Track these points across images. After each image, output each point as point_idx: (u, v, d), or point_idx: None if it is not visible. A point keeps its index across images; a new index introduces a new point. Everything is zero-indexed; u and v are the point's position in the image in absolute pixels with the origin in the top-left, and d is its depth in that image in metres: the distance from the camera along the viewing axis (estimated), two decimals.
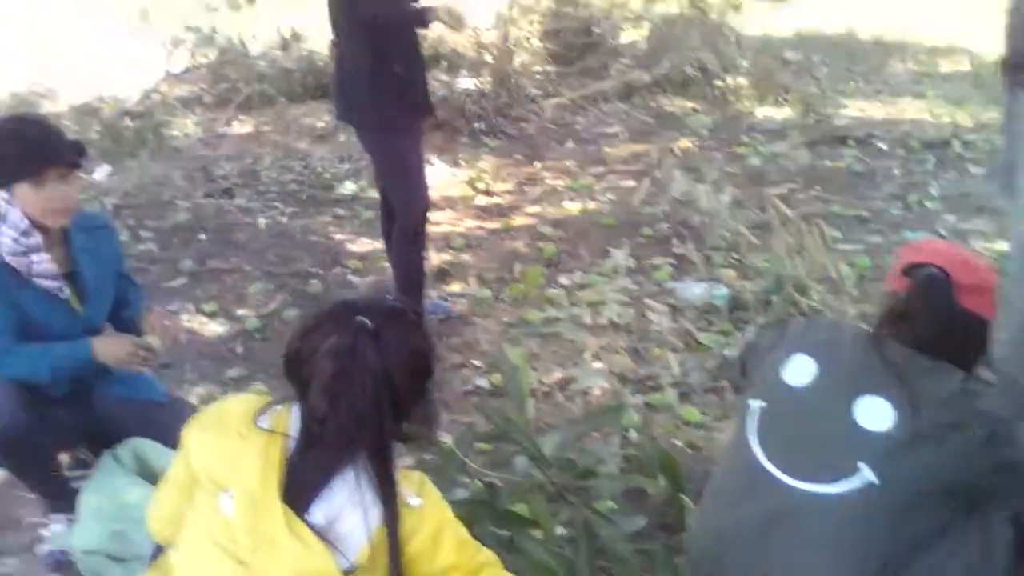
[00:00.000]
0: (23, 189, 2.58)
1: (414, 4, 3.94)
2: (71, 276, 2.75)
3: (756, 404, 1.99)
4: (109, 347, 2.70)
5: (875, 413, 1.84)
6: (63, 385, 2.75)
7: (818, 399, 1.93)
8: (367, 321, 1.78)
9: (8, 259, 2.60)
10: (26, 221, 2.59)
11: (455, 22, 3.94)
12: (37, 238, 2.62)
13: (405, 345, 1.81)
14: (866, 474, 1.79)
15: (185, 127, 8.11)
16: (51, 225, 2.65)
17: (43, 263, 2.65)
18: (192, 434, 1.83)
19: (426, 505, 1.80)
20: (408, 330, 1.84)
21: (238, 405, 1.84)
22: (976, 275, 1.99)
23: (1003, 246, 4.85)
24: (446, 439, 2.60)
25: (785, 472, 1.87)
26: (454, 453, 2.33)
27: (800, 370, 1.98)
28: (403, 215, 4.09)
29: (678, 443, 3.28)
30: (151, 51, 10.64)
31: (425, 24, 3.92)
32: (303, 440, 1.77)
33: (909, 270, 2.04)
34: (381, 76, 3.84)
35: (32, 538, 2.94)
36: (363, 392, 1.74)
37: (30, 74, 9.04)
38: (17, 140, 2.61)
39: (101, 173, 6.68)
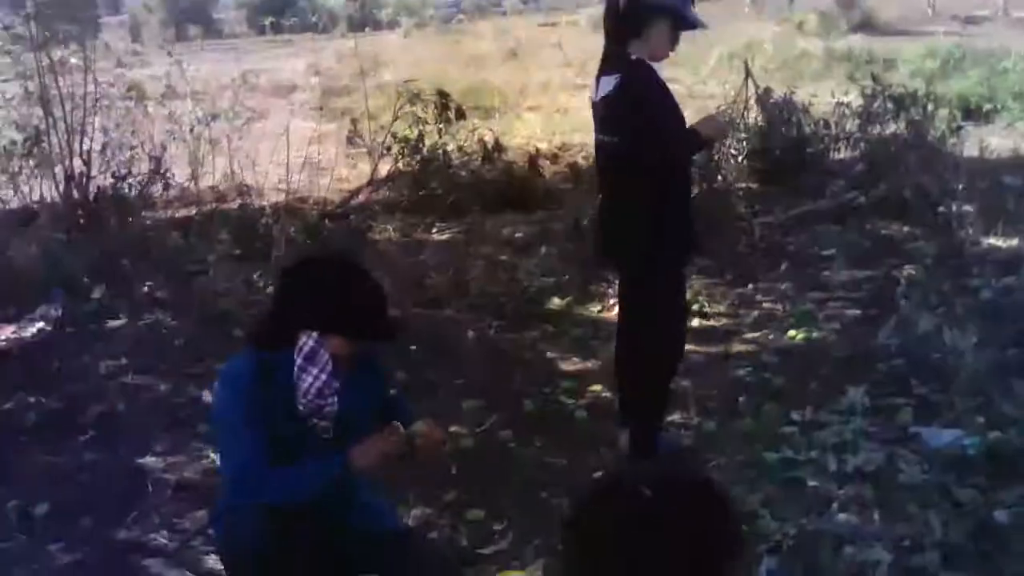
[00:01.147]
0: (336, 341, 2.53)
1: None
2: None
3: None
4: (367, 449, 2.58)
5: None
6: (308, 512, 2.63)
7: None
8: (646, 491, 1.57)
9: (304, 400, 2.55)
10: (332, 365, 2.55)
11: (720, 134, 3.83)
12: (337, 384, 2.57)
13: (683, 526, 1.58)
14: None
15: (386, 232, 8.22)
16: (342, 369, 2.61)
17: (334, 407, 2.62)
18: None
19: None
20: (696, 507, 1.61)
21: None
22: None
23: None
24: None
25: None
26: None
27: None
28: (658, 353, 3.99)
29: None
30: (357, 158, 11.02)
31: (701, 148, 3.83)
32: None
33: None
34: (656, 216, 3.75)
35: None
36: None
37: (235, 169, 9.42)
38: (357, 303, 2.61)
39: None
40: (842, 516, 3.58)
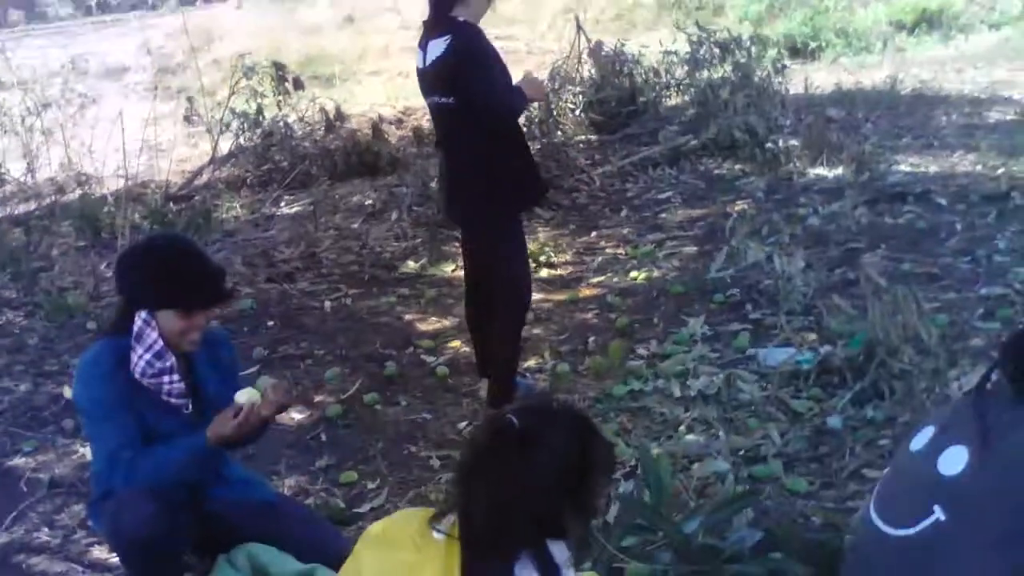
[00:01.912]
0: (168, 315, 2.62)
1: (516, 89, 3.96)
2: (192, 389, 2.76)
3: (887, 471, 2.05)
4: (218, 426, 2.67)
5: (953, 459, 1.88)
6: (182, 490, 2.72)
7: (921, 457, 1.96)
8: (514, 420, 1.76)
9: (141, 380, 2.61)
10: (161, 343, 2.61)
11: (540, 94, 4.00)
12: (171, 360, 2.65)
13: (554, 446, 1.78)
14: (938, 514, 1.83)
15: (232, 210, 8.17)
16: (186, 349, 2.68)
17: (175, 384, 2.68)
18: (365, 553, 1.79)
19: None
20: (561, 431, 1.81)
21: (410, 519, 1.82)
22: None
23: None
24: None
25: (883, 521, 1.95)
26: (605, 547, 2.27)
27: (922, 438, 2.03)
28: (512, 301, 4.08)
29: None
30: (197, 137, 10.85)
31: (526, 103, 3.98)
32: (463, 544, 1.74)
33: None
34: (501, 169, 3.88)
35: None
36: (502, 492, 1.71)
37: (72, 158, 9.19)
38: (180, 274, 2.68)
39: None
40: (689, 437, 3.84)
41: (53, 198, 8.47)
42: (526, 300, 4.12)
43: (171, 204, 8.20)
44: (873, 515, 1.98)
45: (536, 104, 8.13)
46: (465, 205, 4.04)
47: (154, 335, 2.62)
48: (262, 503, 2.92)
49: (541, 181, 4.29)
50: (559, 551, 1.77)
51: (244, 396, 2.71)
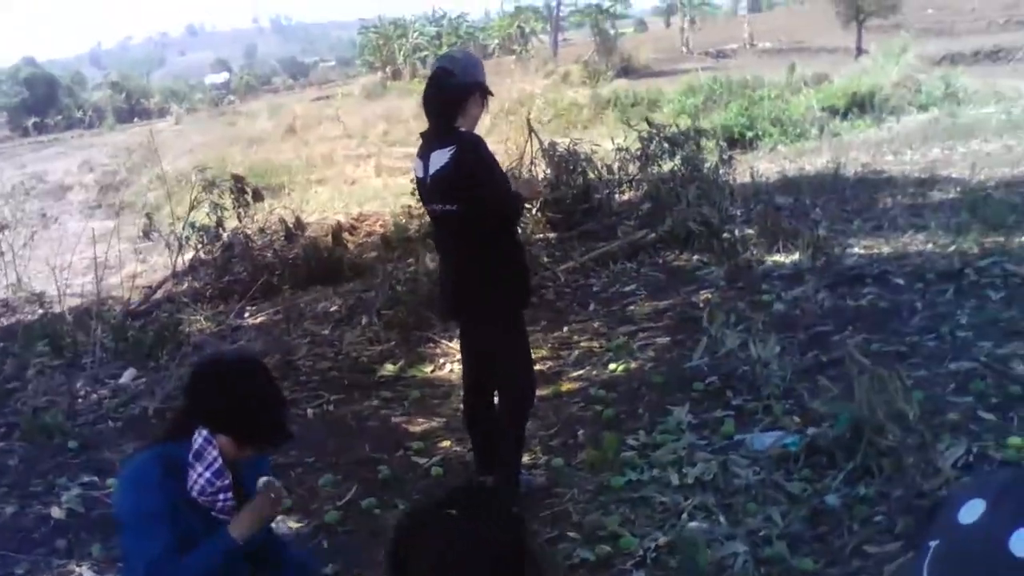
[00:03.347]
0: (225, 441, 2.65)
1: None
2: (239, 501, 2.79)
3: (932, 543, 2.07)
4: (242, 520, 2.71)
5: None
6: None
7: (982, 534, 2.01)
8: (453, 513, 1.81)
9: (198, 498, 2.64)
10: (220, 461, 2.65)
11: (536, 192, 4.15)
12: (229, 479, 2.68)
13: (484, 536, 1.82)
14: None
15: (197, 323, 8.16)
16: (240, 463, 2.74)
17: (228, 501, 2.70)
18: None
19: None
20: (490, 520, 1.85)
21: None
22: None
23: None
24: None
25: None
26: None
27: (972, 510, 2.07)
28: (519, 394, 4.17)
29: None
30: (146, 252, 10.86)
31: (525, 205, 4.13)
32: None
33: None
34: (504, 268, 4.03)
35: None
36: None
37: (21, 278, 9.14)
38: (258, 412, 2.73)
39: (127, 377, 6.68)
40: (692, 524, 3.91)
41: (13, 319, 8.40)
42: (532, 393, 4.20)
43: (131, 320, 8.17)
44: None
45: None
46: (472, 304, 4.13)
47: (215, 453, 2.65)
48: None
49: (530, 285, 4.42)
50: None
51: (262, 481, 2.78)
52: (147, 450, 2.81)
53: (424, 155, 4.00)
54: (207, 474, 2.67)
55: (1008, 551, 1.93)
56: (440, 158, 3.90)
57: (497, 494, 1.91)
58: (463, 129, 3.93)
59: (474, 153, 3.89)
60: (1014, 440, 4.21)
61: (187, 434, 2.71)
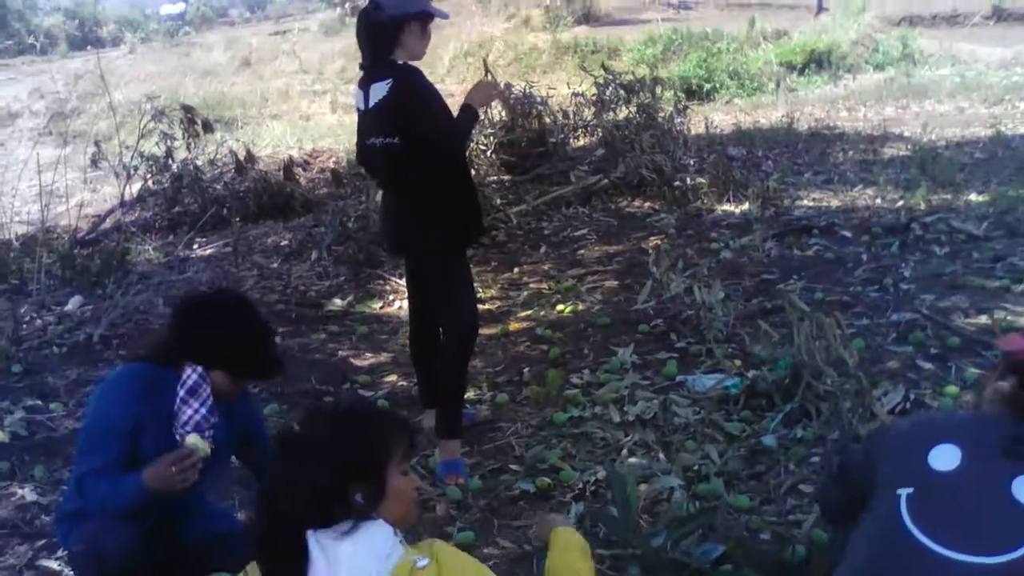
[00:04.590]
0: (221, 376, 2.72)
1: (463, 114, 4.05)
2: None
3: (904, 491, 2.12)
4: (154, 471, 2.68)
5: None
6: (150, 518, 2.74)
7: (973, 480, 2.06)
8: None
9: (180, 431, 2.65)
10: (212, 398, 2.66)
11: (489, 96, 4.21)
12: (217, 416, 2.69)
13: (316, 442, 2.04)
14: None
15: (145, 253, 8.09)
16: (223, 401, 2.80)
17: (210, 439, 2.74)
18: None
19: (434, 562, 1.95)
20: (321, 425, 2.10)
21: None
22: None
23: (984, 320, 5.10)
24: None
25: (948, 547, 1.97)
26: None
27: (945, 457, 2.13)
28: (461, 331, 4.12)
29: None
30: (96, 182, 10.69)
31: (478, 119, 4.10)
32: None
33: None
34: (448, 204, 3.99)
35: None
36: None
37: None
38: (255, 349, 2.84)
39: (73, 304, 6.62)
40: (632, 459, 3.98)
41: None
42: (475, 330, 4.20)
43: (78, 248, 8.08)
44: (919, 535, 2.05)
45: None
46: (414, 240, 4.11)
47: (209, 390, 2.68)
48: (231, 533, 2.95)
49: (482, 219, 4.39)
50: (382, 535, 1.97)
51: (193, 439, 2.74)
52: (132, 366, 2.82)
53: (364, 87, 3.97)
54: (203, 410, 2.71)
55: (1013, 496, 2.01)
56: (379, 91, 3.87)
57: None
58: (401, 61, 3.90)
59: (412, 85, 3.87)
60: (951, 388, 4.33)
61: (168, 363, 2.72)
